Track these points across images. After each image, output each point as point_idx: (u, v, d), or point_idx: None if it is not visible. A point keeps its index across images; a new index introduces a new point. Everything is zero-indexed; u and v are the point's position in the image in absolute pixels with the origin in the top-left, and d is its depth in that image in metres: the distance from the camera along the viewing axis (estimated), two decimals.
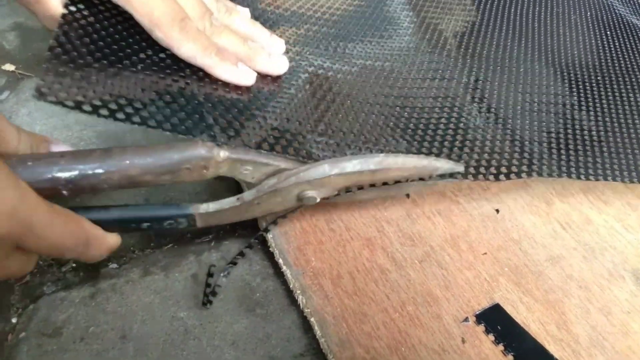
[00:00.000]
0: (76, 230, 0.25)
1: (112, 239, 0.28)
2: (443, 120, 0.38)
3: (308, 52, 0.41)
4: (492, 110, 0.40)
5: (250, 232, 0.35)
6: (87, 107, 0.27)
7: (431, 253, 0.34)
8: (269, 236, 0.34)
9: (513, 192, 0.39)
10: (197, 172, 0.27)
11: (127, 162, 0.25)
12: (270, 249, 0.34)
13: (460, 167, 0.33)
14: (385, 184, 0.32)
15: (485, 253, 0.35)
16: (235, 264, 0.33)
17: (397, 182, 0.32)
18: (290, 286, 0.32)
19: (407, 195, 0.37)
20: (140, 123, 0.28)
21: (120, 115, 0.27)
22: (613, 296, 0.33)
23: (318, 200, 0.31)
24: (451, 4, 0.55)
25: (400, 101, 0.39)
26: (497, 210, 0.37)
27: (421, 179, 0.32)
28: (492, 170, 0.35)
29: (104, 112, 0.27)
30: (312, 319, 0.30)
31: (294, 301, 0.32)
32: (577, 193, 0.40)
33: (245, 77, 0.34)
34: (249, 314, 0.31)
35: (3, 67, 0.46)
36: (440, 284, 0.32)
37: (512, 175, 0.35)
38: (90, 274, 0.32)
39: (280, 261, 0.33)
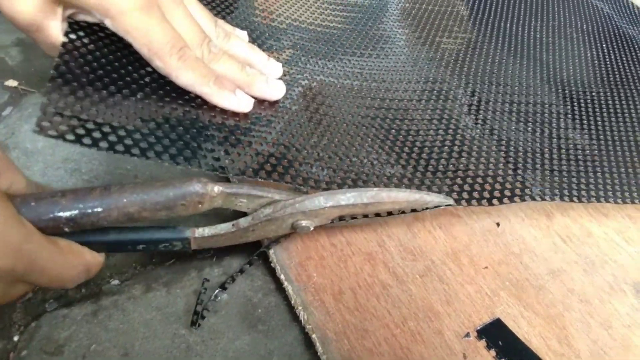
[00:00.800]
0: (77, 263, 0.27)
1: (101, 260, 0.29)
2: (438, 142, 0.39)
3: (300, 70, 0.42)
4: (487, 129, 0.41)
5: (251, 247, 0.35)
6: (87, 141, 0.27)
7: (432, 267, 0.34)
8: (271, 252, 0.34)
9: (513, 205, 0.39)
10: (192, 207, 0.28)
11: (125, 200, 0.26)
12: (272, 264, 0.34)
13: (449, 201, 0.34)
14: (378, 214, 0.33)
15: (487, 267, 0.35)
16: (234, 279, 0.33)
17: (389, 213, 0.33)
18: (292, 302, 0.32)
19: None
20: (140, 155, 0.28)
21: (120, 148, 0.28)
22: (614, 310, 0.33)
23: (312, 229, 0.32)
24: (447, 19, 0.56)
25: (396, 124, 0.39)
26: (498, 224, 0.38)
27: (413, 210, 0.34)
28: (486, 194, 0.36)
29: (103, 144, 0.28)
30: (313, 336, 0.30)
31: (295, 317, 0.32)
32: (577, 206, 0.40)
33: (242, 105, 0.35)
34: (251, 330, 0.31)
35: (6, 83, 0.46)
36: (442, 298, 0.33)
37: (506, 200, 0.35)
38: (92, 290, 0.32)
39: (282, 277, 0.33)
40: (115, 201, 0.26)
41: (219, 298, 0.32)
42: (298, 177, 0.32)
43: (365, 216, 0.34)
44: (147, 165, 0.39)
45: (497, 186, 0.36)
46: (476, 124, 0.41)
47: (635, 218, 0.40)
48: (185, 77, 0.32)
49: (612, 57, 0.56)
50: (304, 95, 0.39)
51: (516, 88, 0.47)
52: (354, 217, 0.34)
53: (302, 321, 0.31)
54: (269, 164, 0.32)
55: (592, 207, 0.40)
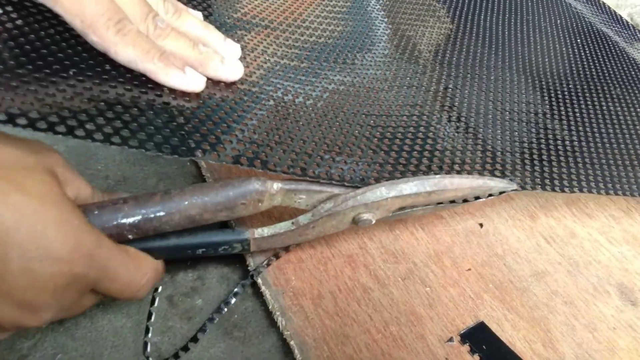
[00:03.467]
0: (147, 269, 0.26)
1: (162, 268, 0.28)
2: (411, 130, 0.37)
3: (277, 75, 0.40)
4: (463, 119, 0.40)
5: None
6: (21, 121, 0.25)
7: (414, 270, 0.33)
8: (247, 255, 0.33)
9: (497, 205, 0.39)
10: (252, 206, 0.28)
11: (186, 202, 0.26)
12: (249, 268, 0.32)
13: (513, 185, 0.33)
14: (439, 203, 0.32)
15: (470, 269, 0.34)
16: (221, 312, 0.31)
17: (451, 201, 0.32)
18: (270, 307, 0.31)
19: None
20: (86, 137, 0.26)
21: (61, 129, 0.25)
22: (599, 312, 0.33)
23: (373, 222, 0.30)
24: (425, 15, 0.55)
25: (373, 119, 0.38)
26: (481, 225, 0.37)
27: (476, 197, 0.33)
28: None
29: (41, 125, 0.25)
30: (292, 342, 0.29)
31: (273, 323, 0.30)
32: (560, 206, 0.39)
33: (193, 84, 0.31)
34: (227, 337, 0.30)
35: None
36: (424, 302, 0.32)
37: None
38: None
39: (259, 281, 0.32)
40: (176, 204, 0.26)
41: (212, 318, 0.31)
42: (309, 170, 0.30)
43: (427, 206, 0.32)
44: (118, 164, 0.38)
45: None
46: (451, 112, 0.40)
47: (619, 218, 0.39)
48: (126, 52, 0.29)
49: (587, 52, 0.56)
50: (280, 103, 0.36)
51: (492, 78, 0.46)
52: (413, 210, 0.32)
53: (280, 327, 0.30)
54: (250, 151, 0.30)
55: (575, 207, 0.40)
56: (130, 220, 0.26)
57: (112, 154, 0.39)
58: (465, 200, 0.33)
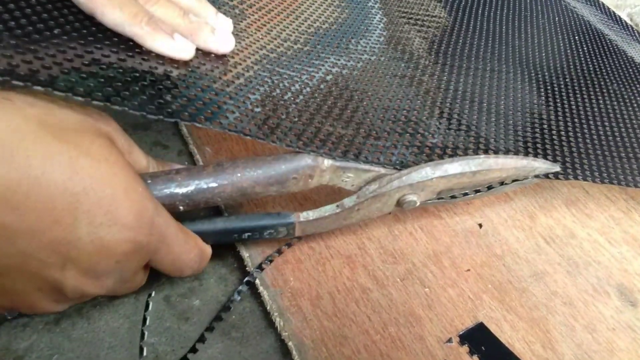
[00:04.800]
0: (195, 246, 0.27)
1: (210, 252, 0.29)
2: (402, 119, 0.36)
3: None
4: (456, 112, 0.39)
5: (224, 250, 0.34)
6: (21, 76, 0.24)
7: (413, 270, 0.33)
8: (246, 255, 0.33)
9: (496, 206, 0.39)
10: (303, 182, 0.28)
11: (239, 174, 0.27)
12: (247, 268, 0.32)
13: (556, 167, 0.34)
14: (490, 187, 0.33)
15: (469, 269, 0.34)
16: (221, 319, 0.31)
17: (489, 188, 0.33)
18: (268, 308, 0.30)
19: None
20: (85, 96, 0.25)
21: (61, 85, 0.25)
22: (598, 312, 0.33)
23: (418, 204, 0.31)
24: (423, 12, 0.55)
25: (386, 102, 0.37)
26: (480, 225, 0.37)
27: (515, 180, 0.33)
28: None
29: (38, 78, 0.24)
30: (290, 343, 0.29)
31: (271, 323, 0.30)
32: (560, 206, 0.39)
33: (182, 51, 0.30)
34: (224, 338, 0.30)
35: None
36: (423, 303, 0.31)
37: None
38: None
39: (257, 281, 0.31)
40: (229, 176, 0.26)
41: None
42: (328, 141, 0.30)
43: (466, 194, 0.33)
44: None
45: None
46: (445, 104, 0.40)
47: (619, 219, 0.39)
48: (112, 14, 0.28)
49: (584, 48, 0.56)
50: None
51: (487, 69, 0.46)
52: (455, 197, 0.33)
53: (278, 328, 0.30)
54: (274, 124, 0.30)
55: (575, 207, 0.39)
56: (184, 190, 0.26)
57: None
58: (503, 183, 0.33)
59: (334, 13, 0.48)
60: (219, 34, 0.33)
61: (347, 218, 0.31)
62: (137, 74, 0.28)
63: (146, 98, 0.27)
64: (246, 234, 0.29)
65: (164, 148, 0.40)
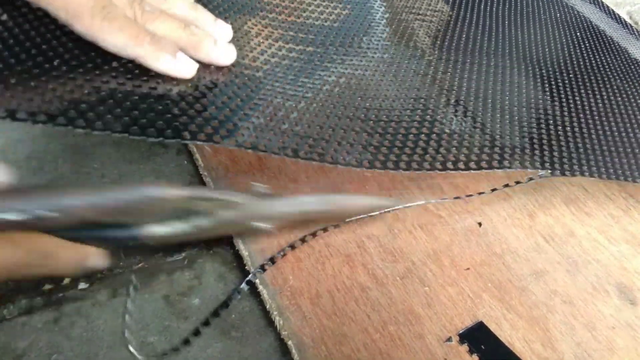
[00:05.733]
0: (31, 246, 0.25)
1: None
2: (407, 115, 0.37)
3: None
4: (461, 103, 0.40)
5: (225, 249, 0.34)
6: (21, 115, 0.25)
7: (413, 269, 0.33)
8: (245, 254, 0.33)
9: (495, 204, 0.38)
10: (150, 211, 0.27)
11: (79, 203, 0.25)
12: (247, 267, 0.32)
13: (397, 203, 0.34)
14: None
15: (468, 268, 0.34)
16: (218, 315, 0.31)
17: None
18: (267, 307, 0.30)
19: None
20: (85, 127, 0.26)
21: (62, 120, 0.26)
22: (597, 311, 0.33)
23: (275, 232, 0.31)
24: (427, 7, 0.55)
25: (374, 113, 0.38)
26: (480, 224, 0.37)
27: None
28: (461, 164, 0.34)
29: (41, 118, 0.25)
30: (289, 342, 0.29)
31: (271, 322, 0.30)
32: (559, 205, 0.39)
33: (184, 69, 0.31)
34: (224, 337, 0.30)
35: None
36: (423, 301, 0.31)
37: (484, 164, 0.34)
38: (55, 296, 0.30)
39: (257, 280, 0.31)
40: (70, 203, 0.25)
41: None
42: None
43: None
44: (114, 163, 0.37)
45: (473, 157, 0.35)
46: (450, 96, 0.40)
47: (618, 217, 0.39)
48: (114, 39, 0.28)
49: (585, 45, 0.56)
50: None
51: (492, 64, 0.47)
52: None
53: (278, 327, 0.29)
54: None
55: (574, 206, 0.39)
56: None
57: (107, 152, 0.39)
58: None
59: (339, 15, 0.48)
60: (220, 46, 0.33)
61: (199, 236, 0.30)
62: (152, 100, 0.29)
63: (163, 123, 0.28)
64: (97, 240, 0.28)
65: (163, 147, 0.40)
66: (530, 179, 0.36)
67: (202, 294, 0.31)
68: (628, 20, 0.66)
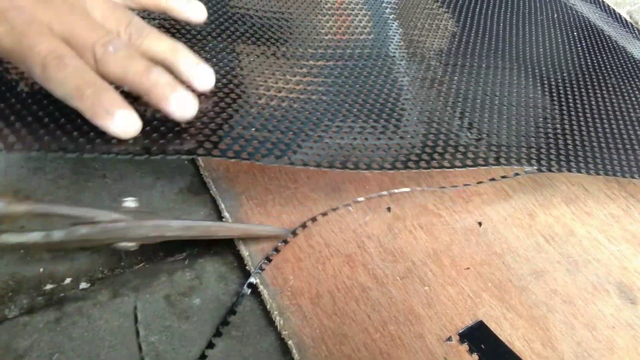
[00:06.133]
0: None
1: None
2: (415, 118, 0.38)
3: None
4: (459, 106, 0.40)
5: (227, 250, 0.34)
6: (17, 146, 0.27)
7: (413, 269, 0.33)
8: (245, 253, 0.33)
9: (495, 204, 0.39)
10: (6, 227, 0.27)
11: None
12: (247, 267, 0.32)
13: (279, 231, 0.34)
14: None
15: (468, 268, 0.34)
16: (221, 332, 0.30)
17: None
18: (267, 307, 0.30)
19: (389, 209, 0.36)
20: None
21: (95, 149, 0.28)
22: (597, 310, 0.33)
23: (134, 248, 0.30)
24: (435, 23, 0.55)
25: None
26: (480, 223, 0.37)
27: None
28: (458, 160, 0.35)
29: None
30: (290, 342, 0.29)
31: (271, 322, 0.30)
32: (559, 204, 0.39)
33: (122, 130, 0.29)
34: (224, 337, 0.30)
35: None
36: (423, 301, 0.31)
37: (480, 161, 0.35)
38: (56, 296, 0.31)
39: (257, 280, 0.31)
40: None
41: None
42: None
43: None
44: (115, 164, 0.38)
45: (470, 154, 0.36)
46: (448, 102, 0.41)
47: (618, 217, 0.39)
48: (58, 90, 0.28)
49: (582, 44, 0.56)
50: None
51: (491, 69, 0.47)
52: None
53: (278, 327, 0.30)
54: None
55: (574, 205, 0.39)
56: None
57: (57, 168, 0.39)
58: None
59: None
60: (178, 95, 0.30)
61: (53, 248, 0.29)
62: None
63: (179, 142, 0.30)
64: None
65: None
66: (517, 174, 0.38)
67: (202, 293, 0.32)
68: (629, 20, 0.66)
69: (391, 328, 0.30)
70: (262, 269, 0.32)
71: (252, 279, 0.31)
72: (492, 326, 0.31)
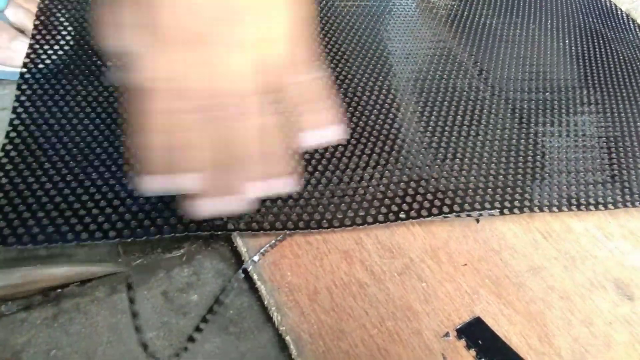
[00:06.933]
0: None
1: None
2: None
3: None
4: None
5: (224, 245, 0.34)
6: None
7: (410, 265, 0.33)
8: (243, 250, 0.33)
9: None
10: None
11: None
12: (245, 263, 0.32)
13: (119, 269, 0.32)
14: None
15: (466, 264, 0.34)
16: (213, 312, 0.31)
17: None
18: (265, 303, 0.30)
19: None
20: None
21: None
22: (595, 306, 0.33)
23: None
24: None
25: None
26: (477, 220, 0.37)
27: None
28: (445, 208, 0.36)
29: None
30: (287, 337, 0.29)
31: (269, 318, 0.30)
32: None
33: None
34: (222, 333, 0.30)
35: None
36: (420, 297, 0.32)
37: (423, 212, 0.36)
38: (54, 292, 0.31)
39: (255, 276, 0.31)
40: None
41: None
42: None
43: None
44: None
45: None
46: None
47: (615, 213, 0.39)
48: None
49: (584, 47, 0.56)
50: None
51: (498, 72, 0.47)
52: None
53: (276, 322, 0.30)
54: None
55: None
56: None
57: None
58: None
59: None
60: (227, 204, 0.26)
61: None
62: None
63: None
64: None
65: None
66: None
67: (200, 290, 0.32)
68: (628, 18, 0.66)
69: (389, 324, 0.30)
70: (263, 254, 0.32)
71: (247, 265, 0.32)
72: (490, 322, 0.31)
